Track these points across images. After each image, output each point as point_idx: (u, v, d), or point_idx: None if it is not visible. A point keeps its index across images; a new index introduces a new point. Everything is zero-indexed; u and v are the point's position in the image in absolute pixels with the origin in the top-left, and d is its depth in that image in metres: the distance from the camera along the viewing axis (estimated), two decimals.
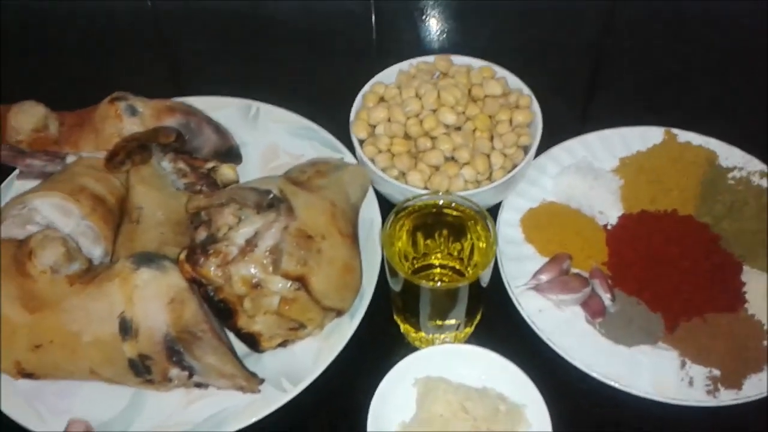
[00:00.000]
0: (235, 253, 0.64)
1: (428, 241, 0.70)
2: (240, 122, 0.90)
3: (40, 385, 0.68)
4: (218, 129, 0.84)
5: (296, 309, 0.66)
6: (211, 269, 0.64)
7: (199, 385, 0.66)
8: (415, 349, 0.68)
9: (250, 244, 0.64)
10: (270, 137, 0.89)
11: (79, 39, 1.13)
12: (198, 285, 0.65)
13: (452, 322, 0.69)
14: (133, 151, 0.70)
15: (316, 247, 0.65)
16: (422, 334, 0.71)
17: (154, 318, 0.64)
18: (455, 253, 0.70)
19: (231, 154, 0.86)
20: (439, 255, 0.71)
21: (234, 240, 0.65)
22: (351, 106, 0.83)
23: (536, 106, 0.81)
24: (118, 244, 0.73)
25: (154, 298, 0.64)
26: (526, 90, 0.82)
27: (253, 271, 0.64)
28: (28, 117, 0.74)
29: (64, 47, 1.11)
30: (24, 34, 1.12)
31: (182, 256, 0.65)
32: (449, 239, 0.70)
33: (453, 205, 0.68)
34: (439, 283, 0.67)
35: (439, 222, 0.69)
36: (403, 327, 0.73)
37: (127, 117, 0.75)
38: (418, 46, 1.09)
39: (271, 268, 0.64)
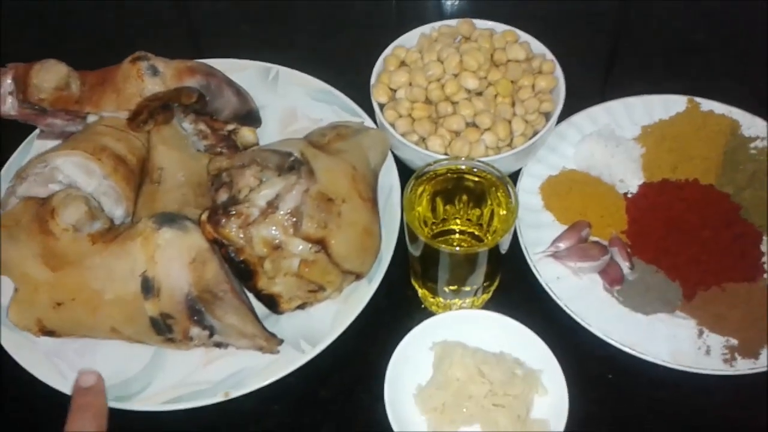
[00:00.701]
0: (256, 214, 0.64)
1: (448, 207, 0.70)
2: (259, 85, 0.90)
3: (61, 342, 0.69)
4: (239, 91, 0.84)
5: (316, 271, 0.66)
6: (233, 230, 0.64)
7: (219, 345, 0.67)
8: (432, 313, 0.68)
9: (272, 205, 0.64)
10: (289, 101, 0.89)
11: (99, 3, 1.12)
12: (219, 246, 0.65)
13: (470, 288, 0.69)
14: (155, 110, 0.70)
15: (336, 210, 0.65)
16: (440, 299, 0.71)
17: (175, 277, 0.64)
18: (474, 219, 0.70)
19: (251, 117, 0.86)
20: (458, 221, 0.71)
21: (255, 201, 0.65)
22: (371, 70, 0.83)
23: (559, 72, 0.80)
24: (139, 205, 0.73)
25: (175, 258, 0.64)
26: (549, 55, 0.81)
27: (273, 232, 0.64)
28: (50, 75, 0.74)
29: (83, 8, 1.11)
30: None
31: (204, 217, 0.65)
32: (469, 205, 0.70)
33: (474, 170, 0.68)
34: (458, 249, 0.67)
35: (459, 188, 0.69)
36: (421, 292, 0.73)
37: (149, 77, 0.74)
38: (440, 11, 1.08)
39: (291, 230, 0.64)
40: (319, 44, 1.03)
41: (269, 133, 0.86)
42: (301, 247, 0.65)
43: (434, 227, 0.71)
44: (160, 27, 1.08)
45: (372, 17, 1.08)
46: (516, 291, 0.74)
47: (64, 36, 1.06)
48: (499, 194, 0.67)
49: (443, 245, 0.63)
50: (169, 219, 0.66)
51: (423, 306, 0.74)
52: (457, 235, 0.71)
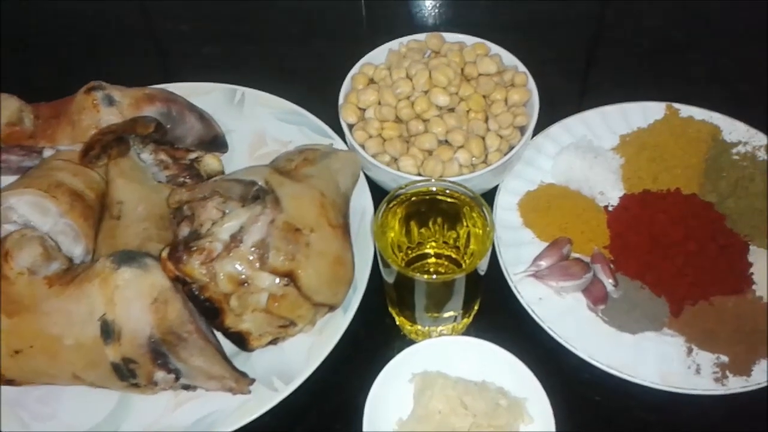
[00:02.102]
0: (219, 249, 0.61)
1: (422, 230, 0.68)
2: (225, 108, 0.87)
3: (22, 390, 0.65)
4: (202, 116, 0.81)
5: (286, 306, 0.63)
6: (195, 267, 0.61)
7: (186, 387, 0.64)
8: (411, 342, 0.65)
9: (235, 239, 0.61)
10: (257, 123, 0.86)
11: (61, 24, 1.08)
12: (182, 283, 0.62)
13: (449, 314, 0.66)
14: (109, 144, 0.67)
15: (304, 240, 0.62)
16: (418, 326, 0.68)
17: (136, 319, 0.61)
18: (451, 242, 0.67)
19: (216, 142, 0.83)
20: (434, 244, 0.68)
21: (218, 235, 0.62)
22: (340, 88, 0.80)
23: (532, 84, 0.77)
24: (99, 242, 0.70)
25: (136, 299, 0.61)
26: (522, 67, 0.79)
27: (239, 267, 0.61)
28: (0, 111, 0.70)
29: (45, 31, 1.07)
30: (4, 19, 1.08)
31: (164, 254, 0.62)
32: (444, 227, 0.67)
33: (447, 191, 0.65)
34: (434, 276, 0.64)
35: (433, 209, 0.66)
36: (398, 320, 0.70)
37: (105, 107, 0.71)
38: (409, 24, 1.05)
39: (257, 264, 0.61)
40: (287, 62, 1.00)
41: (237, 159, 0.83)
42: (268, 281, 0.62)
43: (409, 251, 0.68)
44: (123, 49, 1.04)
45: (341, 30, 1.05)
46: (497, 313, 0.72)
47: (24, 60, 1.02)
48: (474, 214, 0.65)
49: (417, 273, 0.60)
50: (127, 257, 0.63)
51: (401, 334, 0.71)
52: (433, 259, 0.68)
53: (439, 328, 0.68)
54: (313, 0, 1.08)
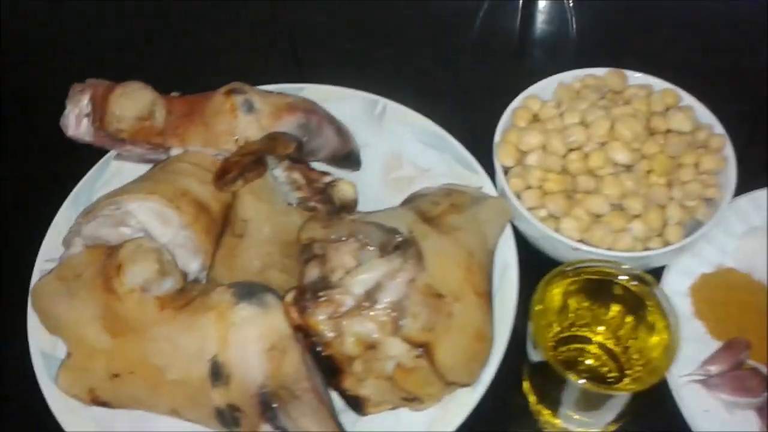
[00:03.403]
0: (350, 304, 0.54)
1: (579, 311, 0.58)
2: (362, 120, 0.78)
3: (115, 411, 0.60)
4: (340, 130, 0.73)
5: (414, 380, 0.55)
6: (322, 320, 0.53)
7: None
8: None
9: (370, 296, 0.53)
10: (395, 142, 0.77)
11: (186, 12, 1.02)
12: (303, 335, 0.55)
13: (602, 420, 0.56)
14: (247, 167, 0.60)
15: (446, 309, 0.54)
16: (559, 422, 0.59)
17: (250, 365, 0.54)
18: (613, 332, 0.57)
19: (350, 159, 0.75)
20: (597, 329, 0.58)
21: (351, 288, 0.54)
22: (491, 112, 0.70)
23: (730, 151, 0.65)
24: (218, 259, 0.64)
25: (252, 342, 0.54)
26: (719, 127, 0.67)
27: (369, 329, 0.53)
28: (132, 103, 0.65)
29: (170, 22, 1.01)
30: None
31: (289, 299, 0.55)
32: (605, 311, 0.57)
33: (626, 276, 0.55)
34: (582, 381, 0.53)
35: (602, 291, 0.56)
36: (536, 406, 0.61)
37: (243, 114, 0.65)
38: (570, 50, 0.93)
39: (390, 329, 0.53)
40: (427, 74, 0.91)
41: (368, 179, 0.75)
42: (399, 349, 0.54)
43: (564, 330, 0.59)
44: (257, 44, 0.97)
45: (495, 47, 0.95)
46: (650, 417, 0.61)
47: (148, 50, 0.96)
48: (650, 308, 0.54)
49: (572, 375, 0.51)
50: (248, 292, 0.56)
51: (534, 418, 0.62)
52: (593, 347, 0.58)
53: (583, 430, 0.59)
54: (464, 3, 0.98)
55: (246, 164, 0.60)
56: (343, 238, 0.57)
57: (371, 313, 0.53)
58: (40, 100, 0.87)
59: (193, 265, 0.64)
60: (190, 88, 0.71)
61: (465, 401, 0.59)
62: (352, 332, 0.53)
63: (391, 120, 0.79)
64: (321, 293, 0.54)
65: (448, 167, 0.74)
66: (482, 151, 0.72)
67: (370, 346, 0.54)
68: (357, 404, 0.57)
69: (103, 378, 0.57)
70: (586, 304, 0.57)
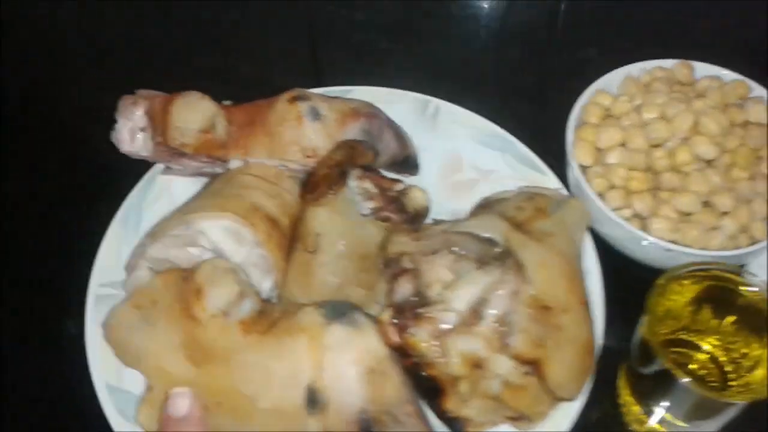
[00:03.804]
0: (453, 321, 0.51)
1: (696, 315, 0.55)
2: (415, 123, 0.75)
3: None
4: (398, 134, 0.70)
5: (523, 399, 0.52)
6: (424, 339, 0.51)
7: None
8: None
9: (474, 312, 0.51)
10: (451, 144, 0.74)
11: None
12: (402, 355, 0.52)
13: (707, 428, 0.54)
14: (335, 179, 0.57)
15: (555, 322, 0.51)
16: (657, 427, 0.57)
17: (347, 390, 0.51)
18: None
19: (408, 163, 0.72)
20: (710, 339, 0.56)
21: (452, 304, 0.51)
22: (550, 107, 0.70)
23: None
24: (290, 277, 0.61)
25: (349, 365, 0.51)
26: None
27: (476, 347, 0.51)
28: (195, 114, 0.61)
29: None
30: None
31: (385, 317, 0.52)
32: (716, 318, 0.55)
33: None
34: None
35: (721, 298, 0.54)
36: (633, 413, 0.58)
37: (309, 122, 0.61)
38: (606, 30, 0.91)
39: (497, 345, 0.51)
40: (472, 68, 0.88)
41: (426, 183, 0.71)
42: (506, 367, 0.51)
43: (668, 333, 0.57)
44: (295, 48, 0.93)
45: (532, 36, 0.92)
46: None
47: (175, 56, 0.91)
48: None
49: (707, 391, 0.48)
50: (338, 312, 0.53)
51: (625, 424, 0.60)
52: (700, 354, 0.56)
53: None
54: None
55: (334, 177, 0.56)
56: (437, 251, 0.54)
57: (477, 330, 0.51)
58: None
59: (265, 285, 0.61)
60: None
61: (565, 416, 0.56)
62: (458, 351, 0.51)
63: (445, 121, 0.76)
64: (420, 310, 0.51)
65: (512, 169, 0.72)
66: (540, 151, 0.70)
67: (477, 365, 0.51)
68: (457, 426, 0.54)
69: None
70: (700, 309, 0.55)
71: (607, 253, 0.64)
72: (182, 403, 0.53)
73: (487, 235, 0.54)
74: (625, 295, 0.59)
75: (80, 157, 0.80)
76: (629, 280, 0.63)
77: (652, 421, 0.57)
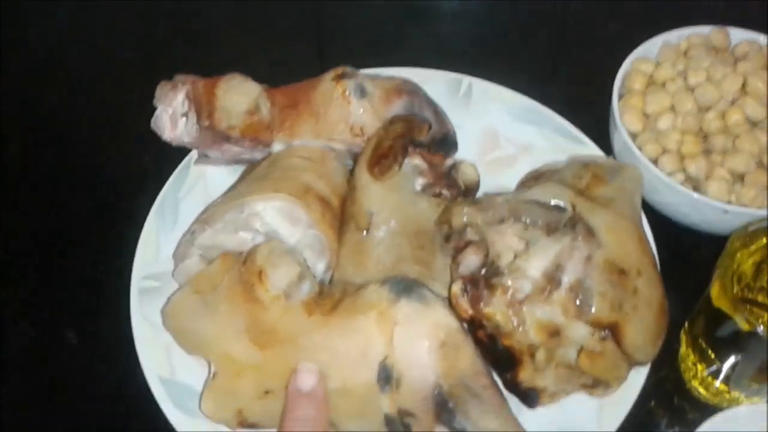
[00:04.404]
0: (528, 289, 0.50)
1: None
2: (449, 101, 0.74)
3: None
4: (437, 111, 0.69)
5: (601, 365, 0.51)
6: (500, 309, 0.50)
7: None
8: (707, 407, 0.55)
9: (551, 278, 0.50)
10: (487, 120, 0.73)
11: None
12: (476, 327, 0.51)
13: None
14: (401, 151, 0.55)
15: (631, 285, 0.51)
16: (723, 387, 0.56)
17: (420, 365, 0.50)
18: None
19: (446, 141, 0.70)
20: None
21: (527, 272, 0.50)
22: (580, 79, 0.71)
23: None
24: (343, 257, 0.59)
25: (420, 340, 0.50)
26: None
27: (553, 315, 0.49)
28: (242, 96, 0.59)
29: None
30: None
31: (456, 289, 0.51)
32: None
33: None
34: None
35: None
36: (695, 379, 0.58)
37: (356, 99, 0.60)
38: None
39: (573, 312, 0.50)
40: (509, 46, 0.87)
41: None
42: (583, 333, 0.50)
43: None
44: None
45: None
46: None
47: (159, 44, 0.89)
48: None
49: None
50: (405, 287, 0.52)
51: (687, 388, 0.59)
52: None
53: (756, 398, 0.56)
54: None
55: (399, 148, 0.55)
56: (504, 220, 0.53)
57: (553, 297, 0.50)
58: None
59: (319, 266, 0.59)
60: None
61: (631, 383, 0.55)
62: (534, 319, 0.50)
63: (479, 98, 0.75)
64: (493, 280, 0.50)
65: (550, 142, 0.71)
66: (577, 122, 0.69)
67: (554, 333, 0.50)
68: (531, 397, 0.53)
69: (252, 397, 0.52)
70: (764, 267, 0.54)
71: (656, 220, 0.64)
72: (309, 378, 0.50)
73: (554, 201, 0.53)
74: (674, 260, 0.58)
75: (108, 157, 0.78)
76: (678, 247, 0.63)
77: (718, 383, 0.57)
